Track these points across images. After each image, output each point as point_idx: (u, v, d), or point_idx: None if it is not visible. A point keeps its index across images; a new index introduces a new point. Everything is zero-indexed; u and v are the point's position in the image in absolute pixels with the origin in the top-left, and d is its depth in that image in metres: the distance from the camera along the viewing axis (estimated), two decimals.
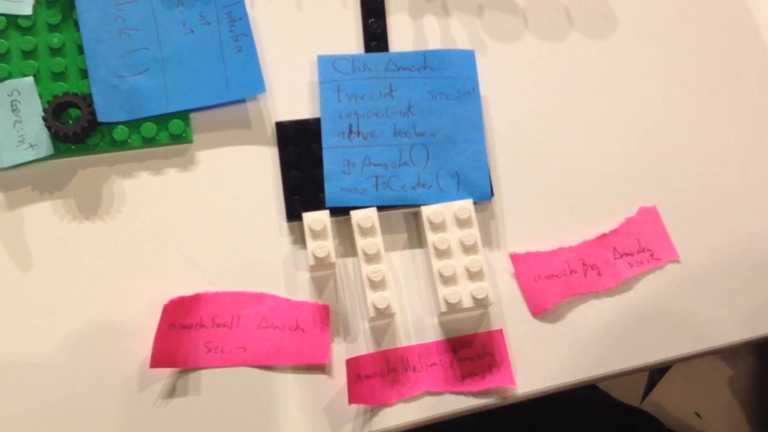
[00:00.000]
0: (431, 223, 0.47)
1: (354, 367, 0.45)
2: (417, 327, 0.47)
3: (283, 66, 0.51)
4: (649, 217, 0.50)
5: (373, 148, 0.49)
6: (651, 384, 1.03)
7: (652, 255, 0.49)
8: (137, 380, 0.44)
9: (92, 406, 0.43)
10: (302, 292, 0.47)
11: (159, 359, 0.43)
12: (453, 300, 0.45)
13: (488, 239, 0.49)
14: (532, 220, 0.50)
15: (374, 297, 0.45)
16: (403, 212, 0.49)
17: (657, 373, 0.97)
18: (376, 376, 0.45)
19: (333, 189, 0.47)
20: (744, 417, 1.06)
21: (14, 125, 0.47)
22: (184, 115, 0.48)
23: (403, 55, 0.50)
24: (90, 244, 0.46)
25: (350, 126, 0.49)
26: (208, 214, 0.47)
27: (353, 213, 0.46)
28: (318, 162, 0.48)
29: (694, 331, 0.48)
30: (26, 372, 0.43)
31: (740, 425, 1.05)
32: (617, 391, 0.88)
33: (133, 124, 0.48)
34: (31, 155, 0.46)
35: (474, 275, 0.46)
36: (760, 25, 0.56)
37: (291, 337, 0.45)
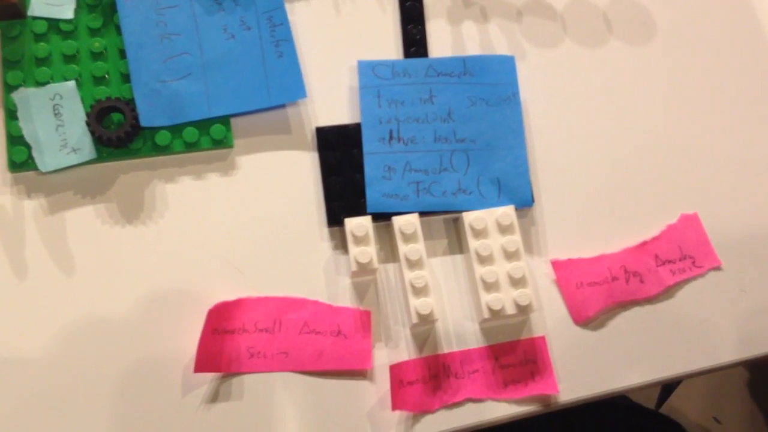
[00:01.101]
0: (473, 230, 0.47)
1: (397, 373, 0.44)
2: (458, 333, 0.47)
3: (323, 71, 0.51)
4: (690, 224, 0.50)
5: (414, 153, 0.48)
6: (665, 387, 1.02)
7: (694, 262, 0.49)
8: (180, 385, 0.44)
9: (137, 410, 0.43)
10: (343, 297, 0.47)
11: (203, 364, 0.43)
12: (496, 307, 0.45)
13: (529, 246, 0.49)
14: (572, 226, 0.49)
15: (417, 303, 0.45)
16: (443, 218, 0.49)
17: None
18: (419, 383, 0.45)
19: (374, 194, 0.47)
20: (765, 422, 1.05)
21: (56, 129, 0.47)
22: (225, 120, 0.48)
23: (442, 61, 0.50)
24: (132, 248, 0.46)
25: (391, 131, 0.49)
26: (249, 219, 0.47)
27: (395, 219, 0.46)
28: (358, 167, 0.48)
29: (737, 339, 0.48)
30: (71, 375, 0.43)
31: (761, 430, 1.04)
32: (633, 394, 0.87)
33: (175, 129, 0.48)
34: (74, 159, 0.46)
35: (517, 282, 0.46)
36: None
37: (333, 343, 0.45)
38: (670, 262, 0.49)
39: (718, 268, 0.49)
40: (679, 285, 0.49)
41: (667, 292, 0.48)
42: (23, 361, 0.43)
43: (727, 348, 0.48)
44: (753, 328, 0.48)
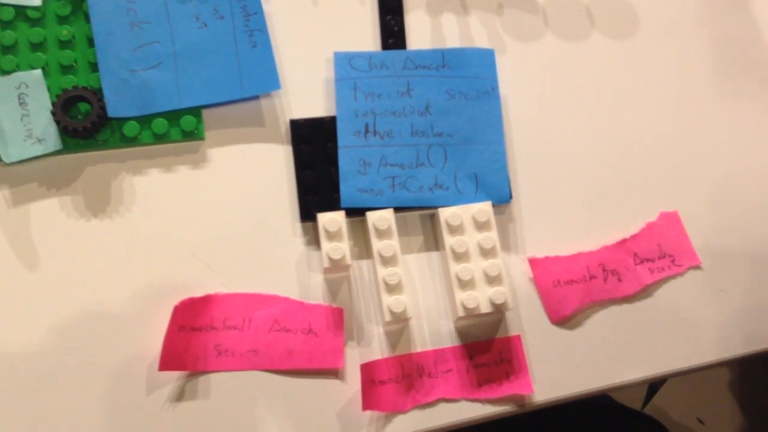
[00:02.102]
0: (449, 226, 0.46)
1: (368, 372, 0.43)
2: (432, 332, 0.46)
3: (298, 62, 0.49)
4: (670, 222, 0.49)
5: (390, 148, 0.47)
6: (652, 389, 1.02)
7: (673, 261, 0.48)
8: (145, 383, 0.43)
9: (98, 409, 0.42)
10: (315, 294, 0.46)
11: (168, 362, 0.42)
12: (471, 305, 0.44)
13: (506, 243, 0.48)
14: (551, 223, 0.49)
15: (390, 300, 0.44)
16: (419, 214, 0.48)
17: None
18: (391, 382, 0.44)
19: (348, 189, 0.46)
20: (747, 423, 1.05)
21: (21, 119, 0.45)
22: (196, 111, 0.47)
23: (421, 53, 0.49)
24: (98, 242, 0.45)
25: (367, 125, 0.48)
26: (219, 214, 0.46)
27: (369, 214, 0.45)
28: (333, 161, 0.47)
29: (716, 339, 0.47)
30: (31, 374, 0.42)
31: (743, 431, 1.04)
32: (618, 395, 0.87)
33: (144, 120, 0.46)
34: (39, 150, 0.45)
35: (492, 279, 0.45)
36: None
37: (304, 341, 0.44)
38: (648, 261, 0.48)
39: (697, 267, 0.49)
40: (657, 284, 0.48)
41: (646, 291, 0.48)
42: None
43: (705, 348, 0.47)
44: (732, 328, 0.48)
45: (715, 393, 1.06)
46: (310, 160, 0.47)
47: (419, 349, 0.45)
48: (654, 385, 1.02)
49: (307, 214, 0.46)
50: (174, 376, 0.43)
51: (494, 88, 0.49)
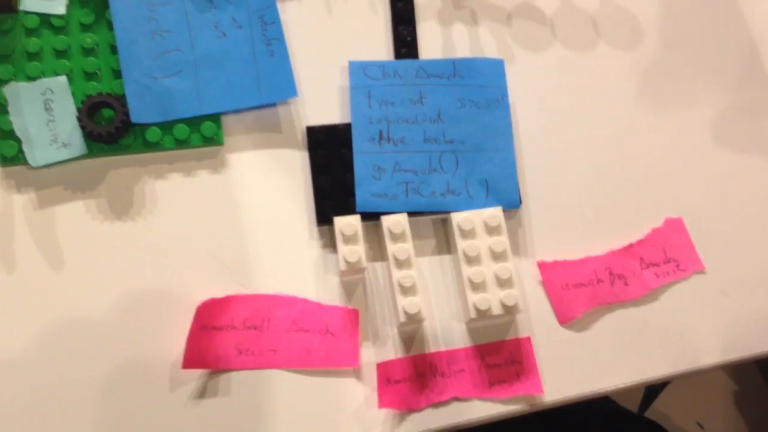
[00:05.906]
0: (461, 230, 0.47)
1: (384, 371, 0.45)
2: (445, 333, 0.47)
3: (314, 71, 0.51)
4: (675, 228, 0.51)
5: (403, 154, 0.49)
6: (649, 393, 1.03)
7: (678, 266, 0.50)
8: (168, 381, 0.44)
9: (124, 406, 0.43)
10: (332, 296, 0.47)
11: (191, 360, 0.44)
12: (483, 307, 0.46)
13: (516, 247, 0.49)
14: (559, 228, 0.50)
15: (405, 302, 0.45)
16: (431, 218, 0.49)
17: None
18: (405, 381, 0.45)
19: (363, 194, 0.48)
20: (746, 427, 1.06)
21: (47, 124, 0.47)
22: (216, 117, 0.48)
23: (432, 63, 0.51)
24: (121, 244, 0.46)
25: (381, 132, 0.49)
26: (238, 217, 0.47)
27: (384, 218, 0.47)
28: (348, 167, 0.48)
29: (719, 342, 0.49)
30: (58, 371, 0.43)
31: None
32: (618, 398, 0.88)
33: (166, 126, 0.48)
34: (64, 155, 0.46)
35: (503, 282, 0.46)
36: None
37: (321, 341, 0.46)
38: (654, 265, 0.49)
39: (701, 272, 0.50)
40: (662, 288, 0.49)
41: (651, 295, 0.49)
42: (10, 357, 0.43)
43: (708, 351, 0.49)
44: (734, 331, 0.49)
45: (716, 399, 1.07)
46: (326, 166, 0.48)
47: (432, 350, 0.47)
48: (653, 390, 1.04)
49: (324, 218, 0.47)
50: (196, 374, 0.44)
51: (504, 97, 0.51)
